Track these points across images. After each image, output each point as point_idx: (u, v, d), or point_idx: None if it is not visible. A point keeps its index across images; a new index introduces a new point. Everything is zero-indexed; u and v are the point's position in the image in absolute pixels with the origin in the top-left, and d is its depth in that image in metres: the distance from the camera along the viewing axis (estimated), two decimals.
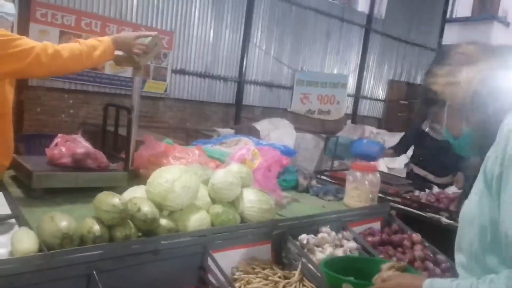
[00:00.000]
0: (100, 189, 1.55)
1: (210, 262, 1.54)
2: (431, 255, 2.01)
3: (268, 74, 7.48)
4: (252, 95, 7.31)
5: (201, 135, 5.77)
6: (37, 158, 1.89)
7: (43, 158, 1.88)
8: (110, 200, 1.37)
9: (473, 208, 1.00)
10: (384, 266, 1.18)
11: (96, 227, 1.33)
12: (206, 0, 6.45)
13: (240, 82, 7.01)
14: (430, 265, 1.93)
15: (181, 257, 1.51)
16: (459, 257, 1.06)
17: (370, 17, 9.05)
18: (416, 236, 2.10)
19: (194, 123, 6.51)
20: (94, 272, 1.26)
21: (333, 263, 1.32)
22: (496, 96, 0.98)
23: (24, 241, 1.22)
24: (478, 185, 1.00)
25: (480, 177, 0.99)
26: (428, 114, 1.19)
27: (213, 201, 1.75)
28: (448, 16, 10.76)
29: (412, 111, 9.08)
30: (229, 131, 5.38)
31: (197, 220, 1.59)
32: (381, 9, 9.39)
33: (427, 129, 3.20)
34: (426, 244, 2.08)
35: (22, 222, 1.40)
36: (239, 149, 2.34)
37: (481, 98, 1.00)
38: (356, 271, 1.23)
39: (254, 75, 7.28)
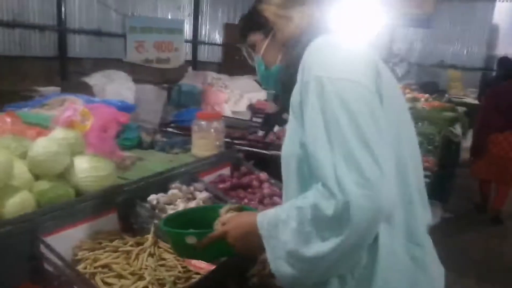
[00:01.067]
0: None
1: (42, 248, 1.30)
2: (278, 190, 2.14)
3: (95, 21, 6.63)
4: (78, 46, 6.42)
5: (20, 98, 4.87)
6: None
7: None
8: None
9: (287, 146, 1.05)
10: (222, 210, 1.19)
11: None
12: None
13: (61, 31, 6.06)
14: (277, 199, 2.05)
15: (4, 251, 1.23)
16: None
17: None
18: (263, 175, 2.19)
19: (8, 83, 5.44)
20: None
21: (173, 220, 1.27)
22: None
23: None
24: (289, 123, 1.05)
25: (290, 114, 1.04)
26: (247, 37, 1.20)
27: (36, 177, 1.46)
28: None
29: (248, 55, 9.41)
30: (54, 89, 4.67)
31: (17, 204, 1.30)
32: None
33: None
34: (273, 181, 2.19)
35: None
36: (64, 110, 2.00)
37: (304, 38, 1.05)
38: (198, 222, 1.21)
39: (78, 23, 6.36)
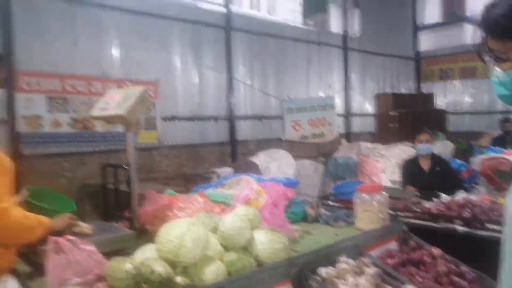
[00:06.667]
0: (109, 253, 1.53)
1: None
2: (454, 268, 1.97)
3: (257, 107, 7.55)
4: (244, 130, 7.34)
5: (200, 179, 5.72)
6: None
7: None
8: (122, 266, 1.33)
9: None
10: None
11: None
12: (185, 46, 6.58)
13: (231, 119, 7.06)
14: (455, 278, 1.88)
15: None
16: None
17: (345, 37, 9.28)
18: (436, 250, 2.06)
19: (191, 167, 6.49)
20: None
21: None
22: None
23: None
24: None
25: None
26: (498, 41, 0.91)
27: (225, 248, 1.71)
28: (418, 23, 11.05)
29: (402, 121, 9.16)
30: (227, 170, 5.35)
31: (212, 272, 1.54)
32: (355, 28, 9.64)
33: None
34: (447, 257, 2.03)
35: None
36: (242, 189, 2.31)
37: None
38: None
39: (243, 110, 7.34)
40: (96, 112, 2.39)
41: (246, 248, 1.75)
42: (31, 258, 1.73)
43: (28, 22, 5.09)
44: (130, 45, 5.99)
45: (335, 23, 9.42)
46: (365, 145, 7.02)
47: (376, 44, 9.97)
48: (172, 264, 1.51)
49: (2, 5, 4.85)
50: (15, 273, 1.53)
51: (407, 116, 9.30)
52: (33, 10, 5.13)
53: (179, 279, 1.47)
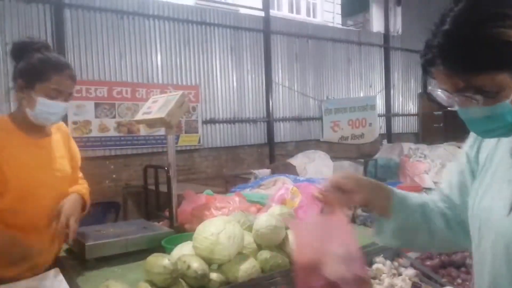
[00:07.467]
0: (148, 250, 1.61)
1: None
2: None
3: (295, 109, 7.56)
4: (282, 132, 7.37)
5: (239, 179, 5.82)
6: (86, 229, 1.96)
7: (92, 227, 1.97)
8: (160, 261, 1.40)
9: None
10: None
11: None
12: (225, 50, 6.72)
13: (269, 121, 7.11)
14: None
15: None
16: None
17: (386, 35, 9.07)
18: None
19: (230, 168, 6.61)
20: None
21: None
22: None
23: None
24: None
25: None
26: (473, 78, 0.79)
27: (260, 246, 1.74)
28: None
29: (447, 120, 8.81)
30: (265, 171, 5.40)
31: (247, 269, 1.58)
32: (397, 26, 9.40)
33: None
34: None
35: None
36: (278, 189, 2.34)
37: None
38: None
39: (282, 112, 7.37)
40: (139, 116, 2.51)
41: (281, 246, 1.77)
42: (76, 252, 1.85)
43: (79, 33, 5.41)
44: (172, 51, 6.20)
45: (376, 22, 9.25)
46: (408, 146, 6.82)
47: (419, 41, 9.65)
48: (208, 260, 1.56)
49: (56, 19, 5.19)
50: (60, 267, 1.64)
51: (453, 115, 8.93)
52: (84, 22, 5.45)
53: (214, 276, 1.52)
